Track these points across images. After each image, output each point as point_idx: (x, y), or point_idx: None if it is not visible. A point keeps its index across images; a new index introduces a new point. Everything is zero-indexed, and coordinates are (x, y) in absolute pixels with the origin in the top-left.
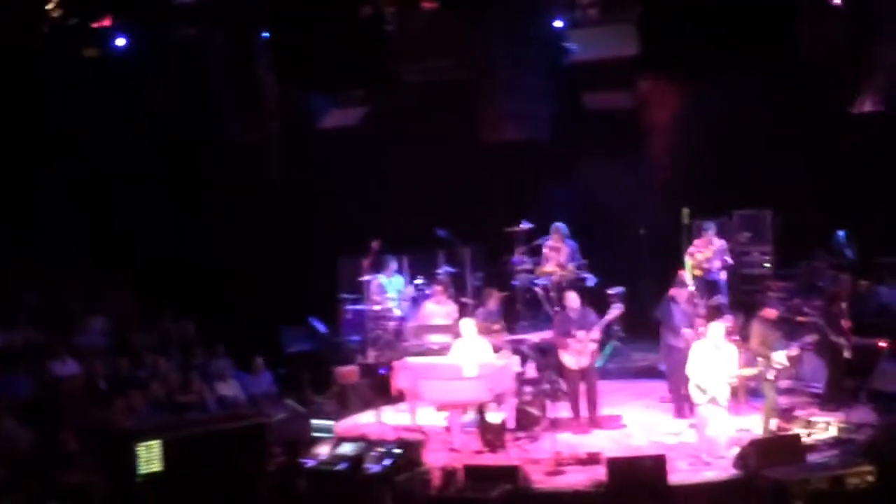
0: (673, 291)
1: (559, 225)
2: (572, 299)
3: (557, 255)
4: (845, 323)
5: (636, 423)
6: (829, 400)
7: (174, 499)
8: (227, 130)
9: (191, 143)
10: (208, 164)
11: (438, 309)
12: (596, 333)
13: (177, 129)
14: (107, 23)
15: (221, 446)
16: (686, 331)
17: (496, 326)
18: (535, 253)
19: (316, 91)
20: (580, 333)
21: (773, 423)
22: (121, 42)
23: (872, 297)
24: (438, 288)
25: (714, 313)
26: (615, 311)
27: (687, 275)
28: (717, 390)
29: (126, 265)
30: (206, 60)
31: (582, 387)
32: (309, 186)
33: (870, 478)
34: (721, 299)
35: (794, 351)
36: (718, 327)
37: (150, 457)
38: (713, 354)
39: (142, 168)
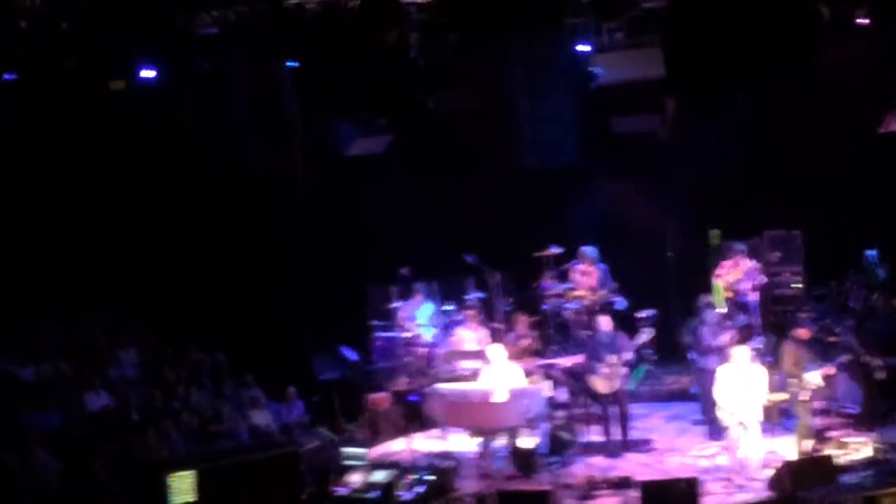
0: (703, 315)
1: (587, 249)
2: (604, 323)
3: (589, 279)
4: (877, 342)
5: (668, 447)
6: (864, 420)
7: None
8: (252, 160)
9: (218, 173)
10: (235, 194)
11: (470, 335)
12: (628, 356)
13: (202, 159)
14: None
15: (254, 476)
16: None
17: (527, 341)
18: (564, 277)
19: (341, 119)
20: (611, 357)
21: (808, 445)
22: (148, 74)
23: None
24: (470, 313)
25: (743, 335)
26: (646, 334)
27: (715, 297)
28: (746, 412)
29: (153, 296)
30: (230, 90)
31: (613, 410)
32: (337, 214)
33: None
34: (751, 320)
35: (830, 370)
36: (744, 349)
37: (182, 487)
38: (740, 376)
39: (168, 199)
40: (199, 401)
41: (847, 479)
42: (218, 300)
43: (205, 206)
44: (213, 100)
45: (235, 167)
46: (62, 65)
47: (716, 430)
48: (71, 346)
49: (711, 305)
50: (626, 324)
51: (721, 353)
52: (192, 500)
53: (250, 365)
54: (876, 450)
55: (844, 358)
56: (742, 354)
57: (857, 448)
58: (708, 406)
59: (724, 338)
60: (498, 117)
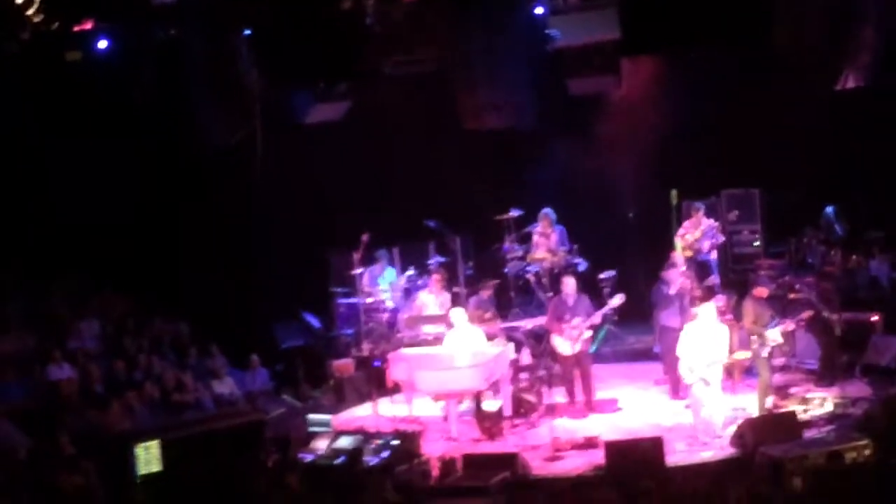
0: (665, 273)
1: (547, 211)
2: (569, 284)
3: (547, 241)
4: (837, 298)
5: (632, 406)
6: (824, 376)
7: (173, 498)
8: (210, 129)
9: (175, 143)
10: (194, 163)
11: (432, 299)
12: (596, 319)
13: (160, 129)
14: (88, 26)
15: (219, 444)
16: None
17: (488, 315)
18: (525, 240)
19: (298, 87)
20: (575, 319)
21: (769, 401)
22: (103, 45)
23: (863, 272)
24: (435, 277)
25: (706, 294)
26: (618, 299)
27: (678, 256)
28: (709, 371)
29: (114, 268)
30: (186, 60)
31: (577, 372)
32: (296, 182)
33: (867, 452)
34: (713, 279)
35: (790, 326)
36: (709, 308)
37: (148, 458)
38: (704, 335)
39: (128, 170)
40: (163, 371)
41: (809, 434)
42: (180, 270)
43: (165, 176)
44: (170, 69)
45: (194, 136)
46: (17, 37)
47: (679, 388)
48: (33, 319)
49: (676, 264)
50: (588, 285)
51: (683, 309)
52: (158, 469)
53: (213, 334)
54: (836, 404)
55: (805, 314)
56: (707, 312)
57: (819, 403)
58: (671, 365)
59: (673, 289)
60: (454, 81)
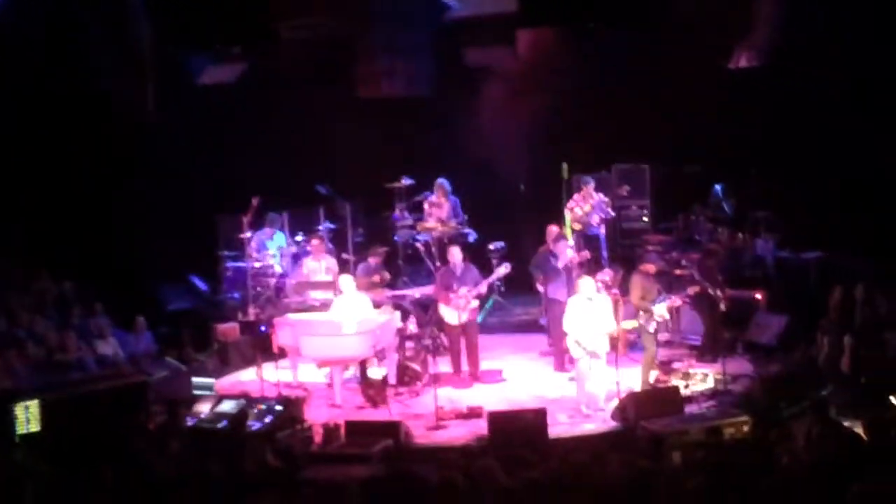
0: (551, 245)
1: (442, 181)
2: (455, 254)
3: (439, 210)
4: (720, 275)
5: (517, 378)
6: (707, 352)
7: (53, 458)
8: (104, 88)
9: (66, 101)
10: (84, 121)
11: (318, 265)
12: (482, 290)
13: (53, 88)
14: None
15: (101, 405)
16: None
17: (376, 282)
18: (416, 209)
19: (194, 48)
20: (462, 289)
21: (653, 376)
22: None
23: (749, 250)
24: (315, 242)
25: (593, 267)
26: (504, 269)
27: (566, 229)
28: (595, 344)
29: None
30: (82, 18)
31: (463, 341)
32: (188, 143)
33: (745, 428)
34: (600, 253)
35: (677, 302)
36: (589, 281)
37: (28, 417)
38: (588, 308)
39: (14, 127)
40: (45, 330)
41: (690, 409)
42: (66, 227)
43: (54, 132)
44: (65, 27)
45: (87, 94)
46: None
47: (564, 361)
48: None
49: (562, 237)
50: (477, 256)
51: (569, 281)
52: (37, 429)
53: (98, 294)
54: (718, 381)
55: (691, 290)
56: (588, 286)
57: (701, 379)
58: (557, 337)
59: (569, 261)
60: (350, 47)
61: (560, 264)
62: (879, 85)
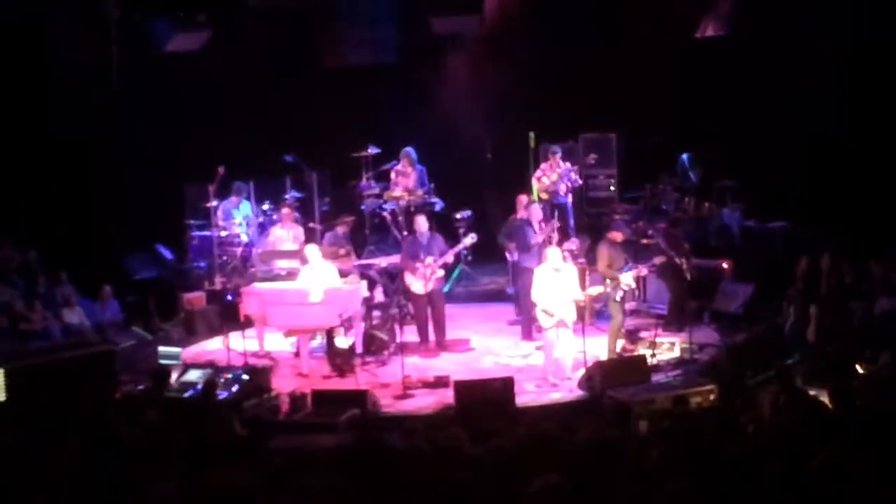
0: (524, 212)
1: (409, 150)
2: (421, 223)
3: (406, 179)
4: (686, 245)
5: (483, 347)
6: (673, 321)
7: (18, 428)
8: (66, 54)
9: (32, 68)
10: (50, 89)
11: (285, 234)
12: (448, 259)
13: (17, 55)
14: None
15: (66, 374)
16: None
17: (343, 251)
18: (383, 178)
19: (158, 15)
20: (428, 258)
21: (619, 345)
22: None
23: (715, 219)
24: (285, 212)
25: (560, 236)
26: (470, 238)
27: (534, 198)
28: (563, 313)
29: None
30: None
31: (429, 311)
32: (153, 112)
33: (712, 396)
34: (567, 222)
35: (644, 271)
36: (556, 250)
37: None
38: (555, 277)
39: None
40: (11, 299)
41: (657, 378)
42: (32, 195)
43: (19, 100)
44: None
45: (51, 63)
46: None
47: (531, 330)
48: None
49: (527, 206)
50: (444, 225)
51: (539, 253)
52: (2, 398)
53: (64, 263)
54: (684, 350)
55: (658, 260)
56: (555, 255)
57: (667, 348)
58: (525, 306)
59: (540, 237)
60: (315, 15)
61: (538, 237)
62: (845, 52)
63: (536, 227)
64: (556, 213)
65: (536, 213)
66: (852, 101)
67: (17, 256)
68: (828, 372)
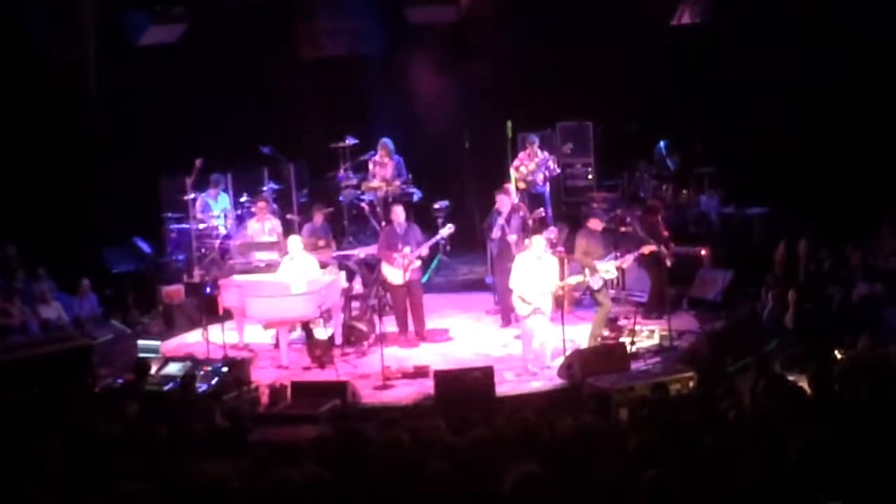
0: (499, 204)
1: (386, 140)
2: (398, 214)
3: (383, 170)
4: (665, 232)
5: (463, 336)
6: (652, 308)
7: None
8: (44, 48)
9: (6, 61)
10: (25, 82)
11: (260, 227)
12: (425, 250)
13: None
14: None
15: (45, 369)
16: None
17: (322, 242)
18: (361, 168)
19: (134, 7)
20: (406, 248)
21: (599, 333)
22: None
23: (693, 207)
24: (260, 204)
25: (538, 226)
26: (448, 229)
27: (511, 187)
28: (541, 301)
29: None
30: None
31: (408, 301)
32: (130, 104)
33: (691, 384)
34: (545, 211)
35: (627, 262)
36: (539, 240)
37: None
38: (535, 266)
39: None
40: None
41: (636, 366)
42: (8, 190)
43: None
44: None
45: (26, 57)
46: None
47: (510, 319)
48: None
49: (508, 195)
50: (422, 215)
51: (517, 243)
52: None
53: (42, 257)
54: (663, 337)
55: (646, 249)
56: (537, 244)
57: (647, 336)
58: (503, 295)
59: (518, 227)
60: (292, 6)
61: (498, 230)
62: (822, 40)
63: (503, 218)
64: (534, 203)
65: (502, 203)
66: (828, 87)
67: None
68: (807, 357)
